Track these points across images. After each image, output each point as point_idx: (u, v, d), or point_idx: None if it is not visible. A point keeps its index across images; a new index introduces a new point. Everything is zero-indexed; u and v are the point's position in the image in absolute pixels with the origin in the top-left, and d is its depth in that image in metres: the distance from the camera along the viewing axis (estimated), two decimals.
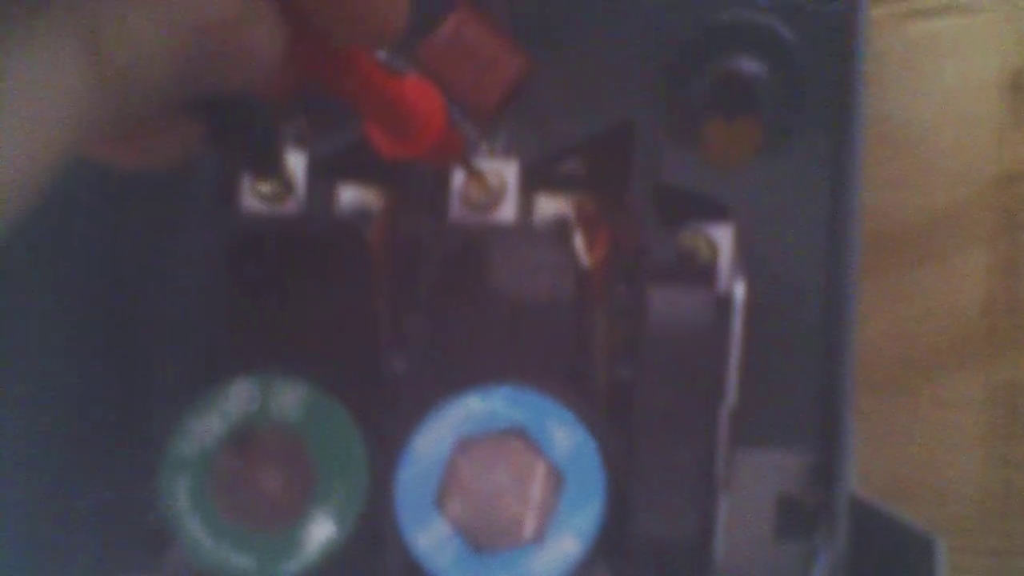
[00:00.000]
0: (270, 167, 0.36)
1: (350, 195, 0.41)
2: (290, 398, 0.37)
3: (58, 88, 0.22)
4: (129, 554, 0.38)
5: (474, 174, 0.39)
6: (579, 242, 0.40)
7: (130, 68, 0.23)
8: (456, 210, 0.39)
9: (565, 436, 0.35)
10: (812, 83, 0.41)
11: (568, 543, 0.35)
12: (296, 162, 0.40)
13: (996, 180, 0.44)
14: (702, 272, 0.38)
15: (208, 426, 0.36)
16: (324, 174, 0.40)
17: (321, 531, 0.36)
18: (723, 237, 0.40)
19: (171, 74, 0.24)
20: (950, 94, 0.45)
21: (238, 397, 0.37)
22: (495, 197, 0.39)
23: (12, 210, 0.23)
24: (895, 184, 0.45)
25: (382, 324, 0.39)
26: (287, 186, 0.39)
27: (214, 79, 0.25)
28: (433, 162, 0.37)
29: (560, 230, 0.40)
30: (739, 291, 0.37)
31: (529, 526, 0.35)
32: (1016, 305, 0.44)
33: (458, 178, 0.39)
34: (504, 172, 0.39)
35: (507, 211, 0.39)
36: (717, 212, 0.40)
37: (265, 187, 0.39)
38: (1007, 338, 0.44)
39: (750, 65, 0.42)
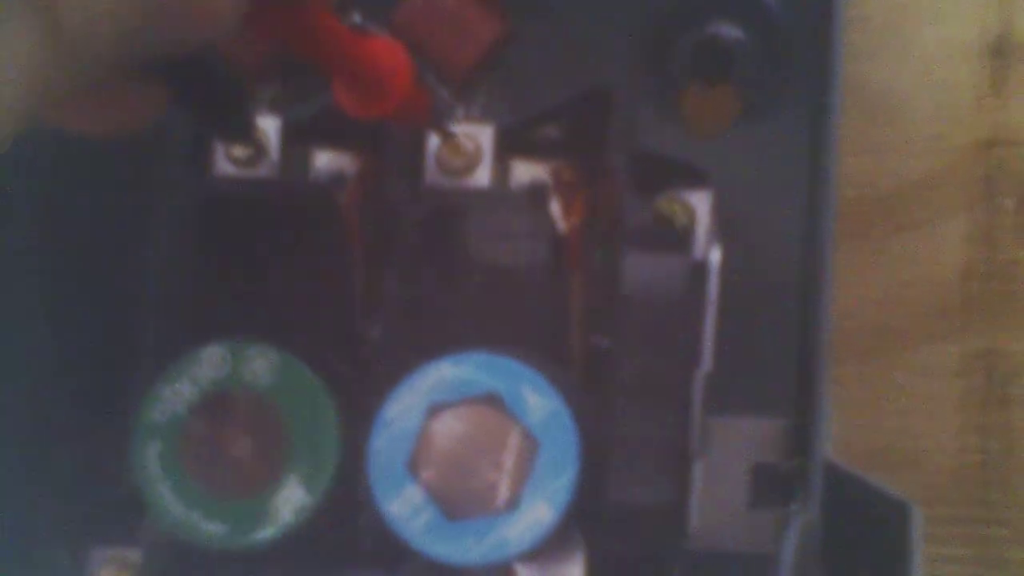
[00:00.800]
0: (239, 130, 0.35)
1: (325, 159, 0.40)
2: (262, 364, 0.36)
3: (12, 53, 0.22)
4: (104, 522, 0.38)
5: (449, 138, 0.38)
6: (555, 208, 0.39)
7: (84, 30, 0.23)
8: (431, 175, 0.39)
9: (539, 403, 0.35)
10: (792, 49, 0.41)
11: (542, 510, 0.35)
12: (270, 126, 0.39)
13: (975, 146, 0.44)
14: (677, 238, 0.38)
15: (179, 392, 0.36)
16: (298, 138, 0.40)
17: (293, 498, 0.36)
18: (701, 203, 0.40)
19: (126, 35, 0.24)
20: (930, 60, 0.45)
21: (209, 363, 0.36)
22: (471, 162, 0.39)
23: None
24: (874, 151, 0.44)
25: (355, 289, 0.38)
26: (258, 150, 0.38)
27: (172, 40, 0.25)
28: (401, 122, 0.37)
29: (536, 195, 0.39)
30: (714, 257, 0.37)
31: (502, 493, 0.35)
32: (994, 272, 0.44)
33: (434, 142, 0.39)
34: (480, 136, 0.39)
35: (483, 176, 0.39)
36: (695, 178, 0.40)
37: (238, 151, 0.39)
38: (984, 306, 0.44)
39: (730, 31, 0.42)
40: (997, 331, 0.44)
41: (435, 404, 0.35)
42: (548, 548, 0.36)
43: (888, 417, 0.43)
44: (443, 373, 0.36)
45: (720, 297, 0.37)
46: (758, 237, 0.40)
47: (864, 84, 0.45)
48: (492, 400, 0.35)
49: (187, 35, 0.25)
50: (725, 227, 0.39)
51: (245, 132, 0.36)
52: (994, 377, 0.43)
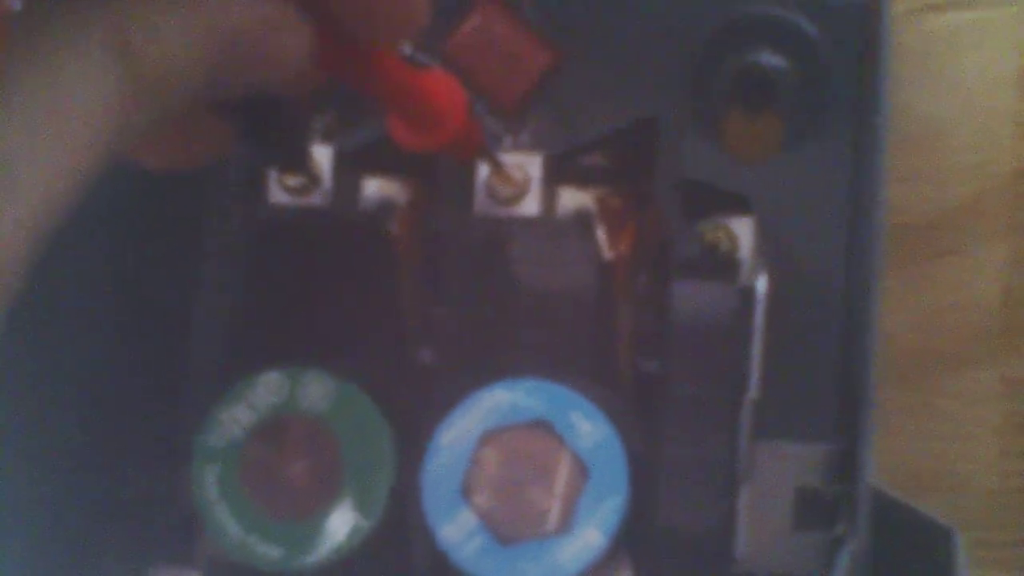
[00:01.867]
0: (297, 163, 0.36)
1: (376, 188, 0.41)
2: (318, 389, 0.37)
3: (92, 98, 0.23)
4: (163, 543, 0.39)
5: (498, 167, 0.39)
6: (602, 235, 0.40)
7: (162, 76, 0.24)
8: (481, 203, 0.40)
9: (589, 428, 0.36)
10: (834, 78, 0.42)
11: (592, 534, 0.35)
12: (323, 156, 0.40)
13: (1013, 174, 0.45)
14: (725, 265, 0.39)
15: (237, 417, 0.37)
16: (350, 167, 0.40)
17: (348, 521, 0.36)
18: (744, 230, 0.40)
19: (201, 79, 0.25)
20: (968, 89, 0.45)
21: (266, 388, 0.37)
22: (519, 190, 0.40)
23: (54, 218, 0.23)
24: (913, 178, 0.45)
25: (408, 316, 0.39)
26: (312, 179, 0.39)
27: (243, 82, 0.26)
28: (454, 155, 0.38)
29: (583, 223, 0.40)
30: (761, 284, 0.38)
31: (554, 518, 0.36)
32: None
33: (483, 171, 0.40)
34: (528, 166, 0.40)
35: (531, 204, 0.40)
36: (739, 206, 0.40)
37: (292, 180, 0.40)
38: (1022, 333, 0.44)
39: (772, 60, 0.42)
40: None
41: (487, 430, 0.36)
42: (598, 572, 0.36)
43: (929, 441, 0.44)
44: (495, 399, 0.36)
45: (766, 323, 0.38)
46: (801, 263, 0.40)
47: (904, 112, 0.45)
48: (543, 426, 0.36)
49: (258, 76, 0.26)
50: (769, 254, 0.40)
51: (301, 163, 0.37)
52: None
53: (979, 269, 0.45)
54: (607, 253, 0.40)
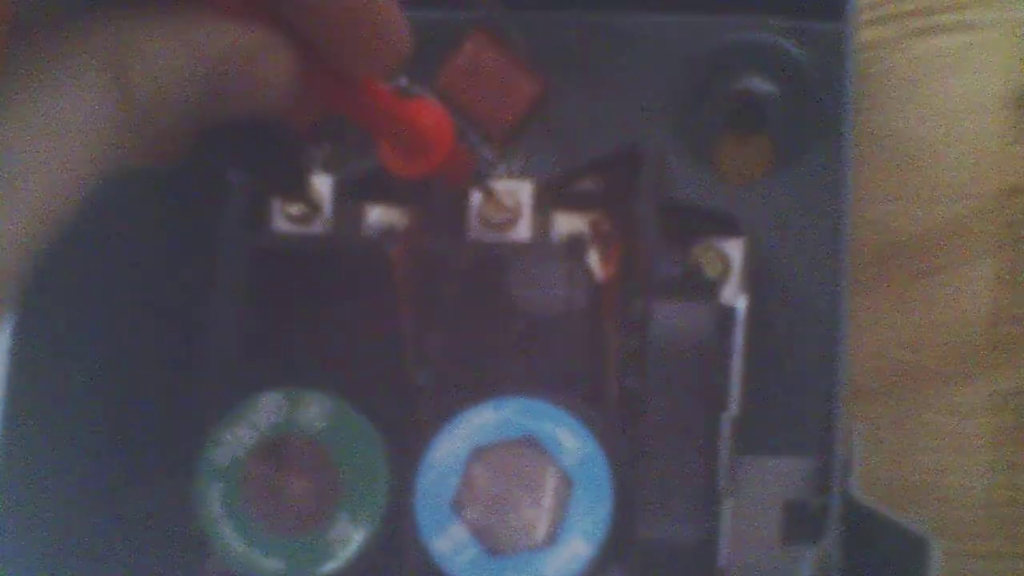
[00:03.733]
0: (296, 188, 0.38)
1: (375, 215, 0.43)
2: (316, 410, 0.39)
3: (87, 119, 0.24)
4: (170, 560, 0.40)
5: (489, 194, 0.40)
6: (593, 258, 0.41)
7: (154, 99, 0.25)
8: (474, 229, 0.41)
9: (574, 444, 0.37)
10: (822, 101, 0.43)
11: (579, 545, 0.37)
12: (323, 184, 0.41)
13: (1000, 193, 0.46)
14: (705, 286, 0.40)
15: (239, 436, 0.39)
16: (350, 196, 0.42)
17: (346, 535, 0.38)
18: (734, 251, 0.41)
19: (192, 103, 0.26)
20: (954, 111, 0.46)
21: (267, 409, 0.39)
22: (511, 216, 0.41)
23: (44, 238, 0.24)
24: (900, 198, 0.46)
25: (404, 339, 0.40)
26: (314, 207, 0.41)
27: (232, 106, 0.27)
28: (444, 180, 0.39)
29: (575, 247, 0.41)
30: (741, 305, 0.39)
31: (541, 530, 0.37)
32: (1021, 315, 0.45)
33: (476, 198, 0.41)
34: (519, 192, 0.41)
35: (523, 229, 0.41)
36: (728, 227, 0.42)
37: (294, 209, 0.41)
38: (1013, 347, 0.45)
39: (761, 84, 0.44)
40: None
41: (477, 447, 0.38)
42: None
43: (919, 455, 0.45)
44: (484, 418, 0.38)
45: (752, 341, 0.39)
46: (789, 282, 0.41)
47: (890, 134, 0.46)
48: (530, 442, 0.37)
49: (247, 101, 0.27)
50: (757, 274, 0.41)
51: (300, 190, 0.39)
52: (1023, 415, 0.45)
53: (967, 287, 0.46)
54: (598, 275, 0.41)
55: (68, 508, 0.40)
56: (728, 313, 0.39)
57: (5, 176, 0.23)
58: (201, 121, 0.27)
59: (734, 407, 0.38)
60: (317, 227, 0.41)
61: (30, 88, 0.24)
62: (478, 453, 0.38)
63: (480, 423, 0.38)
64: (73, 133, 0.24)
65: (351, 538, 0.38)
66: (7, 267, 0.23)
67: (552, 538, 0.37)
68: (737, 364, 0.38)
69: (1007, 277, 0.45)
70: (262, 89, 0.27)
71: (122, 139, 0.25)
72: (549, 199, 0.42)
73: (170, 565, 0.40)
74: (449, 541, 0.37)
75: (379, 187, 0.42)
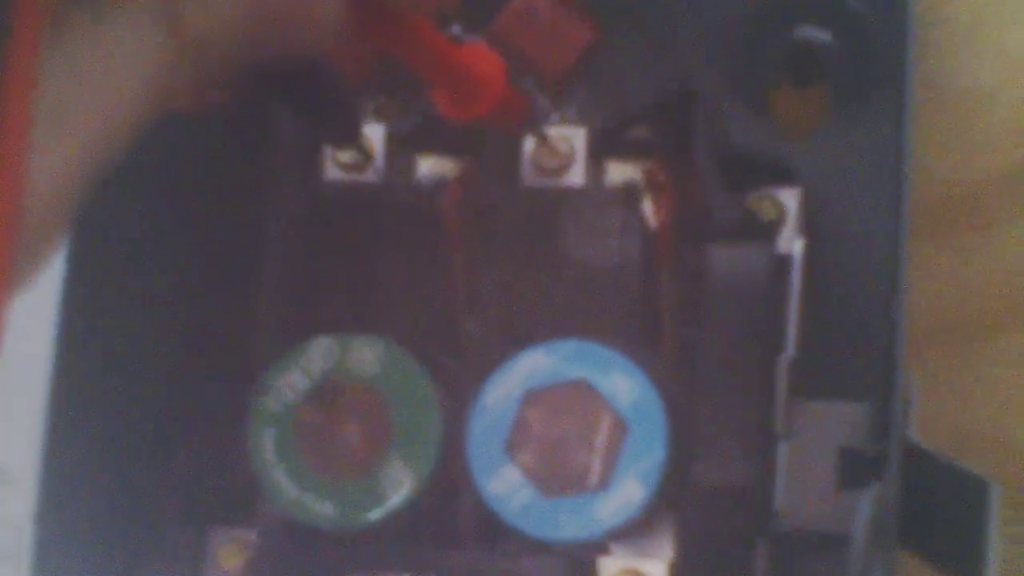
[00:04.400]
0: (348, 133, 0.38)
1: (427, 165, 0.42)
2: (368, 354, 0.39)
3: (138, 57, 0.25)
4: (224, 506, 0.40)
5: (543, 140, 0.40)
6: (647, 206, 0.41)
7: (205, 35, 0.25)
8: (528, 176, 0.41)
9: (628, 387, 0.37)
10: (878, 51, 0.42)
11: (633, 489, 0.37)
12: (376, 134, 0.41)
13: None
14: (761, 231, 0.39)
15: (291, 382, 0.39)
16: (402, 145, 0.42)
17: (398, 479, 0.38)
18: (790, 200, 0.41)
19: (243, 40, 0.26)
20: (1014, 60, 0.46)
21: (319, 353, 0.39)
22: (565, 163, 0.41)
23: (97, 170, 0.25)
24: (958, 148, 0.45)
25: (456, 284, 0.40)
26: (365, 154, 0.41)
27: (282, 45, 0.27)
28: (498, 125, 0.39)
29: (628, 194, 0.41)
30: (797, 248, 0.39)
31: (595, 473, 0.37)
32: None
33: (530, 145, 0.41)
34: (574, 139, 0.41)
35: (576, 176, 0.41)
36: (784, 176, 0.41)
37: (346, 156, 0.41)
38: None
39: (817, 34, 0.43)
40: None
41: (530, 390, 0.37)
42: (639, 526, 0.37)
43: (975, 404, 0.44)
44: (537, 361, 0.38)
45: (809, 287, 0.39)
46: (846, 231, 0.41)
47: (949, 83, 0.46)
48: (583, 385, 0.37)
49: (295, 41, 0.27)
50: (814, 221, 0.41)
51: (352, 135, 0.38)
52: None
53: (1023, 237, 0.45)
54: (651, 222, 0.41)
55: (121, 457, 0.40)
56: (784, 258, 0.39)
57: (60, 109, 0.23)
58: (253, 61, 0.27)
59: (791, 350, 0.38)
60: (369, 176, 0.41)
61: (83, 24, 0.24)
62: (531, 396, 0.37)
63: (533, 366, 0.38)
64: (126, 68, 0.24)
65: (404, 482, 0.38)
66: (60, 194, 0.24)
67: (606, 481, 0.37)
68: (793, 309, 0.38)
69: None
70: (312, 25, 0.27)
71: (174, 75, 0.25)
72: (603, 146, 0.42)
73: (224, 511, 0.40)
74: (503, 483, 0.37)
75: (431, 138, 0.41)
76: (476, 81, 0.35)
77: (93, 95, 0.24)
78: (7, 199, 0.20)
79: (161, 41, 0.25)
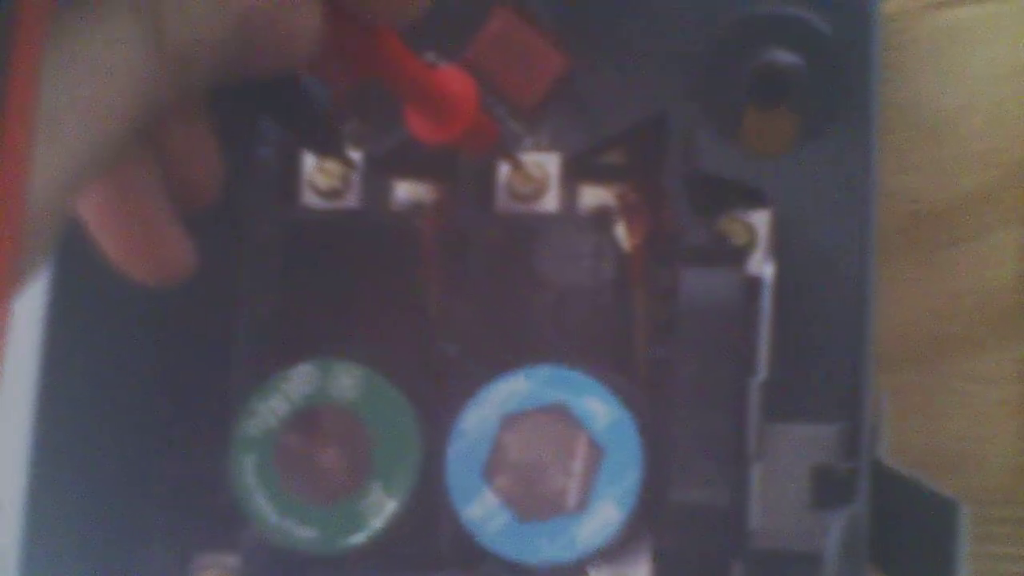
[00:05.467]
0: (330, 144, 0.38)
1: (404, 190, 0.43)
2: (348, 380, 0.39)
3: (121, 66, 0.25)
4: (206, 530, 0.41)
5: (517, 164, 0.41)
6: (620, 229, 0.42)
7: (188, 46, 0.26)
8: (503, 201, 0.42)
9: (604, 411, 0.38)
10: (845, 73, 0.43)
11: (609, 511, 0.37)
12: (353, 159, 0.42)
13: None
14: (732, 254, 0.40)
15: (272, 408, 0.39)
16: (379, 171, 0.42)
17: (378, 504, 0.38)
18: (760, 222, 0.42)
19: (225, 53, 0.27)
20: (979, 81, 0.46)
21: (299, 380, 0.39)
22: (539, 188, 0.41)
23: (83, 180, 0.25)
24: (924, 168, 0.46)
25: (433, 310, 0.41)
26: (349, 165, 0.41)
27: (261, 59, 0.28)
28: (471, 149, 0.40)
29: (602, 218, 0.42)
30: (768, 271, 0.39)
31: (572, 496, 0.37)
32: None
33: (504, 171, 0.42)
34: (547, 164, 0.42)
35: (551, 201, 0.41)
36: (754, 199, 0.42)
37: (322, 182, 0.42)
38: None
39: (786, 57, 0.44)
40: None
41: (507, 415, 0.38)
42: (616, 548, 0.38)
43: (947, 422, 0.45)
44: (514, 386, 0.38)
45: (779, 309, 0.39)
46: (816, 252, 0.42)
47: (916, 104, 0.46)
48: (560, 410, 0.38)
49: (275, 54, 0.28)
50: (784, 244, 0.41)
51: (336, 145, 0.39)
52: None
53: (994, 255, 0.46)
54: (624, 246, 0.41)
55: (105, 481, 0.40)
56: (755, 281, 0.39)
57: (50, 119, 0.24)
58: (236, 74, 0.28)
59: (762, 373, 0.38)
60: (346, 202, 0.42)
61: (68, 32, 0.24)
62: (508, 422, 0.38)
63: (510, 392, 0.38)
64: (110, 76, 0.25)
65: (384, 506, 0.38)
66: (54, 195, 0.24)
67: (583, 504, 0.37)
68: (764, 331, 0.39)
69: None
70: (291, 39, 0.28)
71: (157, 84, 0.26)
72: (576, 171, 0.42)
73: (206, 536, 0.40)
74: (480, 508, 0.38)
75: (408, 161, 0.42)
76: (449, 101, 0.36)
77: (78, 102, 0.24)
78: (12, 202, 0.20)
79: (145, 56, 0.25)
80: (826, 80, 0.43)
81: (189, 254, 0.32)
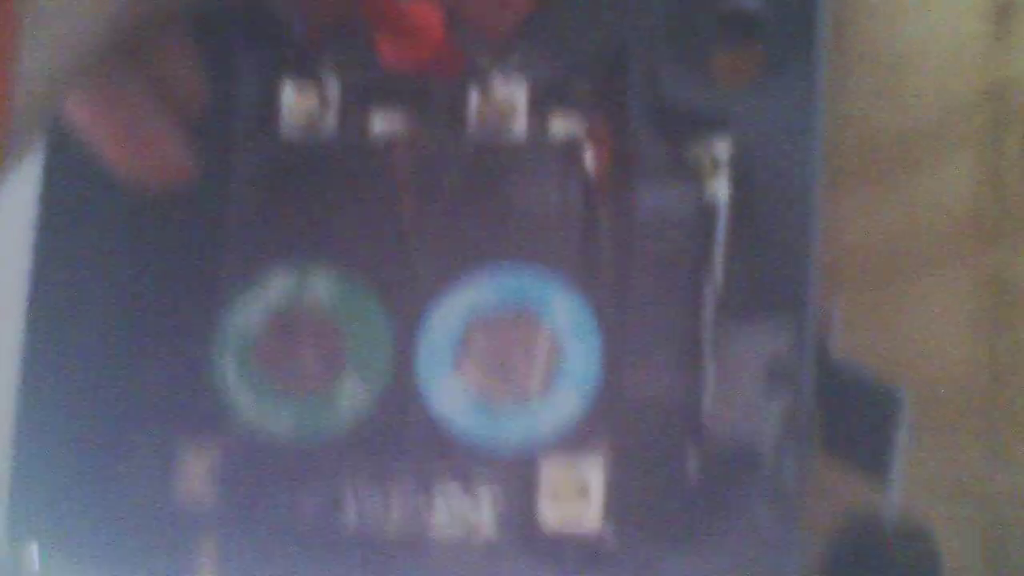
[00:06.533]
0: (309, 60, 0.40)
1: (379, 120, 0.45)
2: (324, 284, 0.41)
3: None
4: (191, 418, 0.43)
5: (486, 94, 0.43)
6: (587, 156, 0.44)
7: None
8: (473, 129, 0.44)
9: (567, 308, 0.40)
10: (811, 11, 0.45)
11: (570, 399, 0.39)
12: (331, 88, 0.44)
13: (982, 92, 0.48)
14: (692, 176, 0.42)
15: (253, 308, 0.42)
16: (356, 100, 0.44)
17: (353, 394, 0.41)
18: (722, 151, 0.44)
19: None
20: (938, 16, 0.48)
21: (277, 285, 0.42)
22: (508, 116, 0.43)
23: (70, 79, 0.27)
24: (887, 98, 0.48)
25: (406, 224, 0.43)
26: (325, 86, 0.43)
27: None
28: (441, 75, 0.42)
29: (570, 146, 0.44)
30: (723, 190, 0.41)
31: (535, 386, 0.40)
32: (1002, 207, 0.47)
33: (474, 100, 0.44)
34: (516, 93, 0.44)
35: (519, 129, 0.43)
36: (716, 127, 0.44)
37: (301, 113, 0.44)
38: (992, 237, 0.47)
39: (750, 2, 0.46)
40: (1004, 260, 0.47)
41: (475, 311, 0.41)
42: (577, 437, 0.40)
43: (905, 337, 0.47)
44: (482, 284, 0.41)
45: (731, 220, 0.41)
46: (771, 173, 0.43)
47: (875, 39, 0.48)
48: (524, 306, 0.40)
49: None
50: (743, 169, 0.43)
51: (312, 64, 0.41)
52: (1001, 302, 0.47)
53: (949, 181, 0.47)
54: (591, 172, 0.43)
55: (89, 381, 0.43)
56: (712, 202, 0.42)
57: (34, 26, 0.26)
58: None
59: (718, 275, 0.40)
60: (324, 132, 0.44)
61: None
62: (476, 317, 0.40)
63: (478, 289, 0.41)
64: None
65: (358, 398, 0.40)
66: (39, 95, 0.26)
67: (546, 392, 0.39)
68: (720, 240, 0.41)
69: (988, 172, 0.47)
70: None
71: (136, 6, 0.28)
72: (544, 100, 0.44)
73: (188, 431, 0.42)
74: (449, 397, 0.40)
75: (383, 91, 0.44)
76: (415, 30, 0.38)
77: (61, 23, 0.27)
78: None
79: None
80: (789, 18, 0.45)
81: (183, 156, 0.34)
